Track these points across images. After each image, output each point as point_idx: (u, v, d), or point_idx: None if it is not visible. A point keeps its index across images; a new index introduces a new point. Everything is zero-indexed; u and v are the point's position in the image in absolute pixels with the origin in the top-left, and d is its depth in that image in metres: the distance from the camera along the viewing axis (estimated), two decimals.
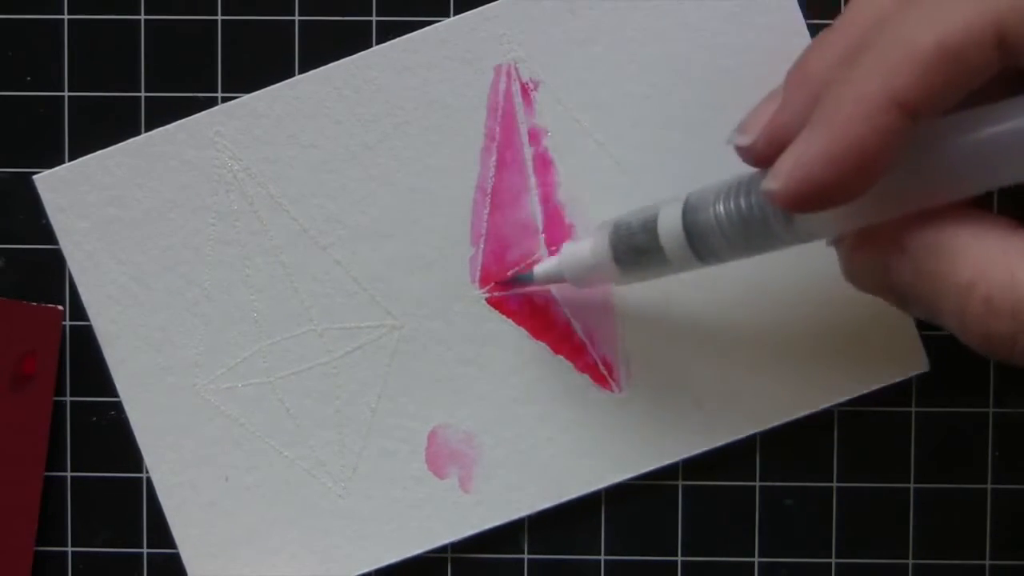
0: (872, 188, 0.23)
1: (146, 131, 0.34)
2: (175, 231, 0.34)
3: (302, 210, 0.34)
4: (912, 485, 0.34)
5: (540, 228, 0.34)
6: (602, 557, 0.35)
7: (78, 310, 0.35)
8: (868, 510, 0.34)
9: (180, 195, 0.34)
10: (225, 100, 0.34)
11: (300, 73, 0.34)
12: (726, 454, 0.34)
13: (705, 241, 0.27)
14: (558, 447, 0.34)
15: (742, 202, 0.26)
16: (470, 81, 0.34)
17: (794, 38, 0.33)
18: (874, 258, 0.25)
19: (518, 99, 0.34)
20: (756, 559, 0.35)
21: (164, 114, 0.34)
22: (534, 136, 0.34)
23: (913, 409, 0.34)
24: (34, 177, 0.34)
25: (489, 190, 0.34)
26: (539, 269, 0.32)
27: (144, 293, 0.34)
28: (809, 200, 0.24)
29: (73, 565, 0.35)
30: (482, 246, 0.34)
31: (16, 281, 0.35)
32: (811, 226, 0.25)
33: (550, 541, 0.35)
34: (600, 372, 0.34)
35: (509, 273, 0.34)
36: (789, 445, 0.34)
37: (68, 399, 0.35)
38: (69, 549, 0.35)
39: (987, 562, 0.34)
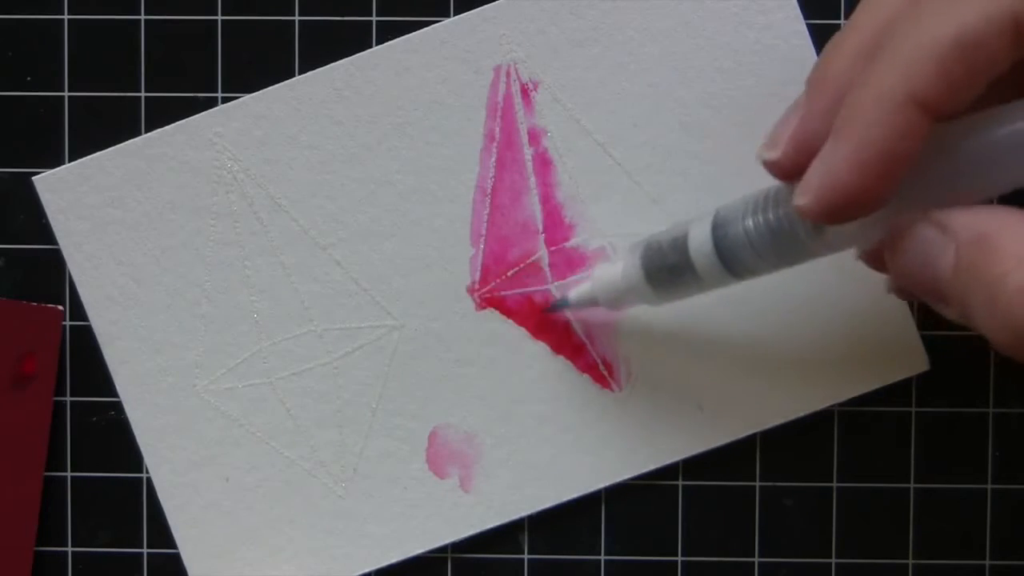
0: (897, 192, 0.23)
1: (146, 131, 0.34)
2: (175, 232, 0.34)
3: (302, 211, 0.34)
4: (912, 485, 0.34)
5: (540, 228, 0.34)
6: (602, 557, 0.35)
7: (78, 310, 0.35)
8: (868, 510, 0.34)
9: (179, 196, 0.34)
10: (225, 100, 0.34)
11: (300, 73, 0.34)
12: (726, 454, 0.34)
13: (736, 256, 0.27)
14: (558, 447, 0.34)
15: (771, 215, 0.26)
16: (470, 81, 0.34)
17: (793, 38, 0.33)
18: (915, 243, 0.24)
19: (518, 99, 0.34)
20: (756, 559, 0.35)
21: (164, 114, 0.34)
22: (534, 136, 0.34)
23: (913, 409, 0.34)
24: (33, 178, 0.34)
25: (489, 190, 0.34)
26: (574, 295, 0.32)
27: (144, 294, 0.34)
28: (840, 211, 0.23)
29: (73, 565, 0.35)
30: (482, 246, 0.34)
31: (16, 281, 0.35)
32: (840, 235, 0.25)
33: (550, 541, 0.35)
34: (600, 372, 0.34)
35: (548, 304, 0.34)
36: (789, 445, 0.34)
37: (68, 399, 0.35)
38: (69, 549, 0.35)
39: (987, 562, 0.34)
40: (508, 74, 0.34)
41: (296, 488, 0.34)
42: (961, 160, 0.23)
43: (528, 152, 0.34)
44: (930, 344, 0.34)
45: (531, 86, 0.34)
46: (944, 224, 0.23)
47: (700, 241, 0.28)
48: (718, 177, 0.33)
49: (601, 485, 0.34)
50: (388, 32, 0.34)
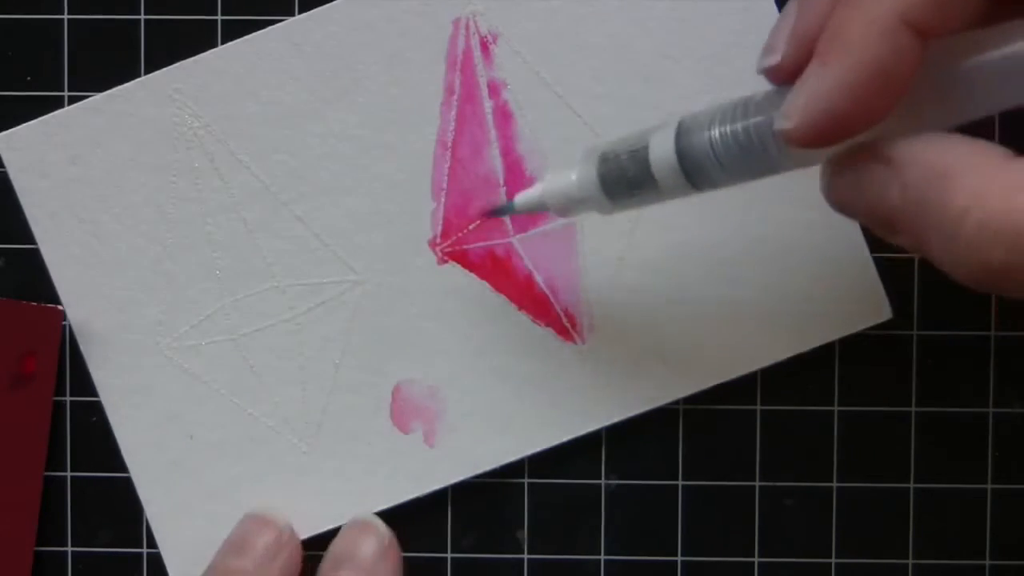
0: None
1: None
2: (136, 189, 0.34)
3: (263, 166, 0.34)
4: (912, 485, 0.34)
5: (501, 181, 0.34)
6: (602, 557, 0.35)
7: None
8: (868, 510, 0.34)
9: (140, 153, 0.34)
10: None
11: None
12: (726, 454, 0.34)
13: (700, 168, 0.26)
14: (522, 400, 0.34)
15: (739, 127, 0.25)
16: (429, 35, 0.34)
17: None
18: (860, 174, 0.24)
19: (477, 52, 0.34)
20: (756, 559, 0.34)
21: None
22: (494, 89, 0.34)
23: (913, 409, 0.34)
24: None
25: (450, 144, 0.34)
26: (520, 198, 0.31)
27: (105, 251, 0.34)
28: (826, 134, 0.23)
29: (73, 565, 0.35)
30: (443, 200, 0.34)
31: (16, 281, 0.35)
32: (812, 152, 0.24)
33: (550, 541, 0.35)
34: (563, 324, 0.34)
35: (488, 207, 0.33)
36: (789, 445, 0.34)
37: (68, 399, 0.35)
38: (69, 549, 0.35)
39: (987, 562, 0.34)
40: (467, 27, 0.34)
41: (260, 445, 0.34)
42: (949, 81, 0.23)
43: (488, 105, 0.34)
44: (930, 344, 0.34)
45: (490, 39, 0.34)
46: (891, 157, 0.23)
47: (662, 153, 0.27)
48: None
49: (566, 438, 0.34)
50: None
